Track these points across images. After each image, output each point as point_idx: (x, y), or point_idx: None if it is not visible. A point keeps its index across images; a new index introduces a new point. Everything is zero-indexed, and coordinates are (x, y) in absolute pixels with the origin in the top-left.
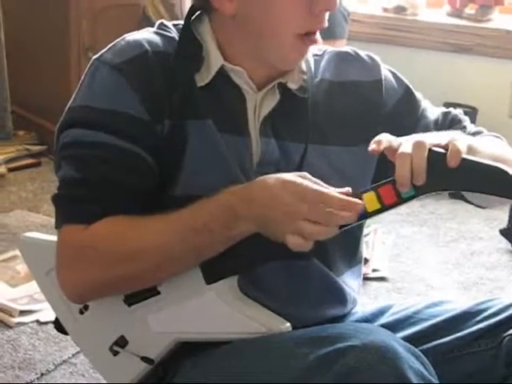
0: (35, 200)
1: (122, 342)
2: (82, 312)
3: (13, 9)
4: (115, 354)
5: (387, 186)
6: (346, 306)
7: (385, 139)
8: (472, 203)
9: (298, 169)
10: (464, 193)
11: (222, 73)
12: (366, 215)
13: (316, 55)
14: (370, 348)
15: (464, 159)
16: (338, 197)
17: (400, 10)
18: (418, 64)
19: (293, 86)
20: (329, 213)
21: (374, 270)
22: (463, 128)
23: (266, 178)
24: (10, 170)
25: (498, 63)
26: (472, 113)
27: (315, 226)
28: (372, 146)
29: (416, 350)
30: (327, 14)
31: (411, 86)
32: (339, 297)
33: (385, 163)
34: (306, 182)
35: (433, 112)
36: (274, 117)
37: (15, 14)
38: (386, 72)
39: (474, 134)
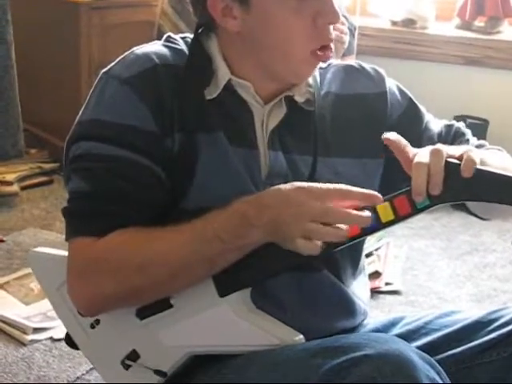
0: (48, 218)
1: (133, 356)
2: (93, 326)
3: (23, 27)
4: (127, 368)
5: (401, 196)
6: (357, 317)
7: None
8: (475, 214)
9: (308, 181)
10: (469, 203)
11: (229, 87)
12: (380, 226)
13: (321, 68)
14: (386, 357)
15: (478, 169)
16: (358, 190)
17: (409, 23)
18: (428, 77)
19: (299, 99)
20: (346, 212)
21: (386, 284)
22: (466, 141)
23: (280, 185)
24: (23, 188)
25: (508, 75)
26: (483, 125)
27: (324, 226)
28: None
29: (431, 359)
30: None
31: (414, 99)
32: (350, 308)
33: (389, 176)
34: (320, 184)
35: (436, 125)
36: (282, 130)
37: (26, 32)
38: (390, 84)
39: (477, 146)
